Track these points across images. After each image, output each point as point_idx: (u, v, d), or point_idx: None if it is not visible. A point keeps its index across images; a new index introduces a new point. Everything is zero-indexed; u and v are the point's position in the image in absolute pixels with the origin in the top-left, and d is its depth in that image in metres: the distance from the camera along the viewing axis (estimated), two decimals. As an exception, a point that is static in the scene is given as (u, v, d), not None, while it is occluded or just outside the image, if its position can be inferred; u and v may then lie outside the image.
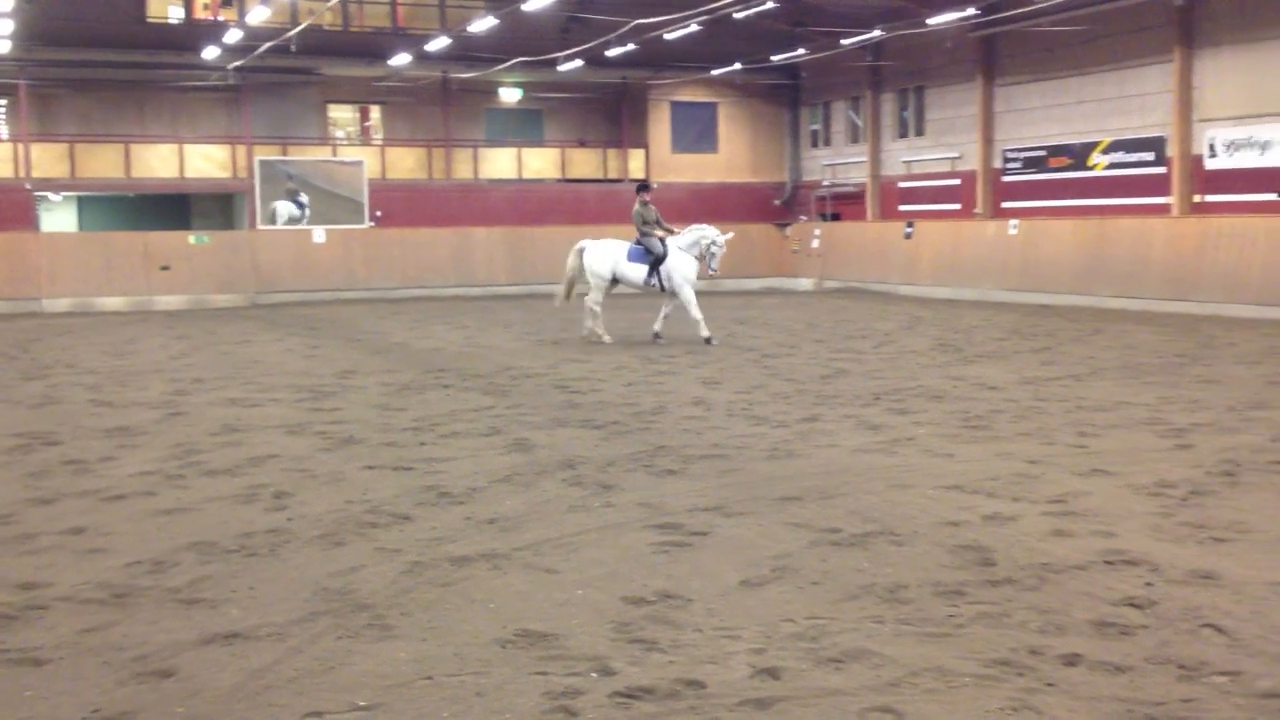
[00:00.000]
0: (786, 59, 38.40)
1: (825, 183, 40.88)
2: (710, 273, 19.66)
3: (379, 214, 37.48)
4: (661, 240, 19.46)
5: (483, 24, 32.72)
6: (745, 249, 34.37)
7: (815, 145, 42.35)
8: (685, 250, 19.34)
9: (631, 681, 5.00)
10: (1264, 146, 26.33)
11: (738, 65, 38.57)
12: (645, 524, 7.62)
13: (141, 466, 9.77)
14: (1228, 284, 24.24)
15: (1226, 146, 27.22)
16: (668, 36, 33.76)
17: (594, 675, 5.08)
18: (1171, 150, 28.38)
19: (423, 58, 36.02)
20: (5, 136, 36.71)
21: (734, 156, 42.70)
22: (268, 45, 33.05)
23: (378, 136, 40.54)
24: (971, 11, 30.65)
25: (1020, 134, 33.23)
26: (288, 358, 18.44)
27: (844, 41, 34.98)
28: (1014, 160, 33.43)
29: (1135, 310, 25.15)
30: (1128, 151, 29.85)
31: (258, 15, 32.66)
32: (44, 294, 31.01)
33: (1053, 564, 6.60)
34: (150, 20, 36.32)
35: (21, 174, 34.78)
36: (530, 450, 10.17)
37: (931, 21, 31.44)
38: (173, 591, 6.35)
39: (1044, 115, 32.34)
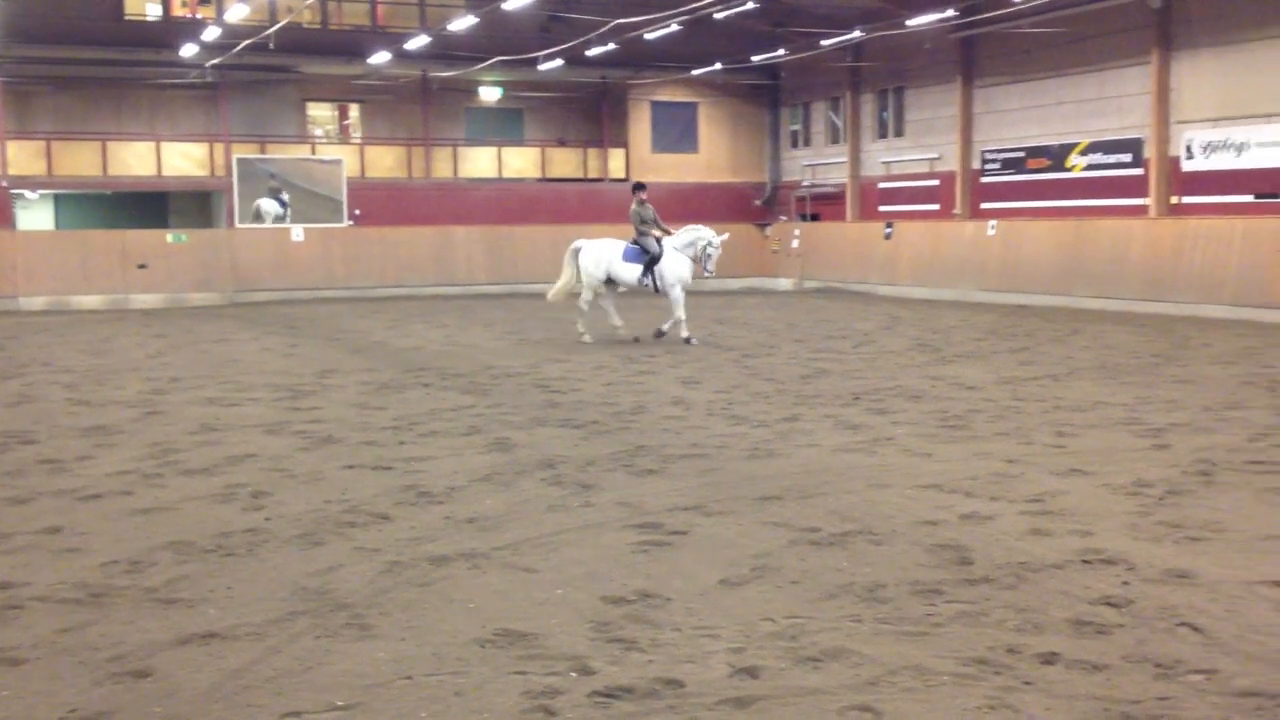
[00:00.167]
0: (767, 59, 38.47)
1: (805, 183, 40.95)
2: (706, 274, 19.62)
3: (358, 213, 37.37)
4: (657, 240, 19.44)
5: (462, 23, 32.67)
6: (725, 249, 34.30)
7: (795, 145, 42.42)
8: (681, 250, 19.32)
9: (610, 681, 5.00)
10: (1240, 148, 26.50)
11: (718, 65, 38.60)
12: (625, 523, 7.63)
13: (118, 466, 9.72)
14: (1204, 285, 24.38)
15: (1203, 148, 27.38)
16: (648, 36, 33.78)
17: (573, 675, 5.08)
18: (1149, 152, 28.54)
19: (402, 56, 35.94)
20: (-19, 134, 36.48)
21: (714, 156, 42.73)
22: (246, 43, 32.91)
23: (357, 135, 40.43)
24: (951, 13, 30.75)
25: (999, 135, 33.36)
26: (266, 357, 18.37)
27: (824, 42, 35.05)
28: (993, 161, 33.55)
29: (1113, 311, 25.27)
30: (1105, 153, 30.00)
31: (236, 13, 32.53)
32: (20, 292, 30.80)
33: (1030, 563, 6.63)
34: (128, 18, 36.12)
35: (-2, 171, 34.58)
36: (510, 449, 10.16)
37: (911, 23, 31.53)
38: (150, 591, 6.32)
39: (1023, 116, 32.48)
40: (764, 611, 5.87)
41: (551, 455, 9.86)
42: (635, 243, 19.50)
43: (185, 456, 10.08)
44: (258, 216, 36.20)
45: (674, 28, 32.83)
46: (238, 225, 35.82)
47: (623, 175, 41.61)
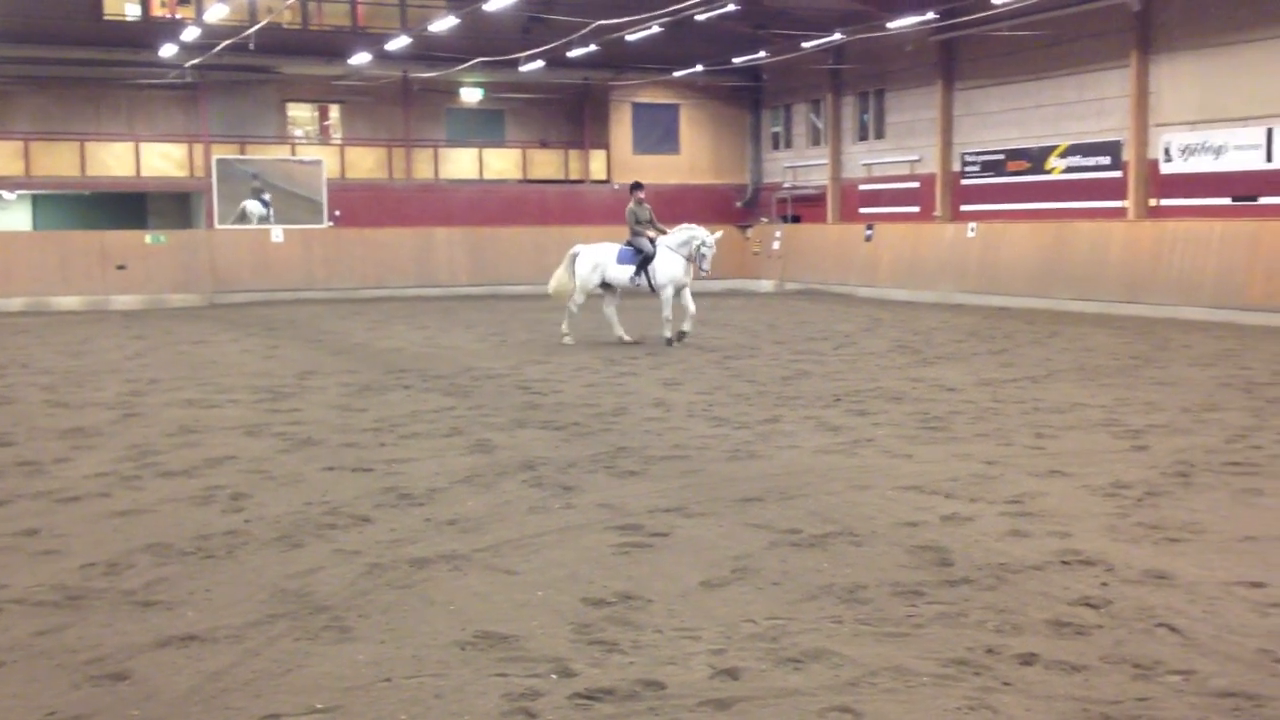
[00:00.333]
0: (748, 61, 38.51)
1: (786, 185, 41.02)
2: (702, 273, 19.51)
3: (338, 214, 37.28)
4: (652, 240, 19.43)
5: (443, 24, 32.60)
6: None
7: (776, 147, 42.49)
8: (675, 250, 19.28)
9: (591, 683, 4.99)
10: (1218, 151, 26.65)
11: (699, 67, 38.64)
12: (606, 525, 7.62)
13: (97, 468, 9.67)
14: (1182, 287, 24.52)
15: (1182, 151, 27.52)
16: (629, 38, 33.77)
17: (554, 676, 5.08)
18: (1128, 154, 28.67)
19: (383, 57, 35.85)
20: (-41, 134, 36.26)
21: (696, 158, 42.77)
22: (226, 43, 32.79)
23: (337, 136, 40.32)
24: (931, 15, 30.83)
25: (979, 137, 33.46)
26: (246, 358, 18.30)
27: (805, 44, 35.11)
28: (973, 163, 33.66)
29: (1092, 313, 25.38)
30: (1085, 155, 30.13)
31: (216, 13, 32.39)
32: (-2, 293, 30.63)
33: (1010, 564, 6.66)
34: (107, 17, 35.94)
35: (-25, 172, 34.38)
36: (491, 451, 10.15)
37: (892, 25, 31.60)
38: (128, 594, 6.29)
39: (1002, 119, 32.59)
40: (745, 613, 5.88)
41: (532, 457, 9.85)
42: (629, 243, 19.50)
43: (164, 458, 10.03)
44: (243, 217, 36.10)
45: (655, 29, 32.84)
46: (223, 226, 35.70)
47: (604, 177, 41.64)
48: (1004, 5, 28.77)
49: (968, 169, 33.84)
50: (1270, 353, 17.51)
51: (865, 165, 37.94)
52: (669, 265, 19.22)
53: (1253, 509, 7.95)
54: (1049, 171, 31.12)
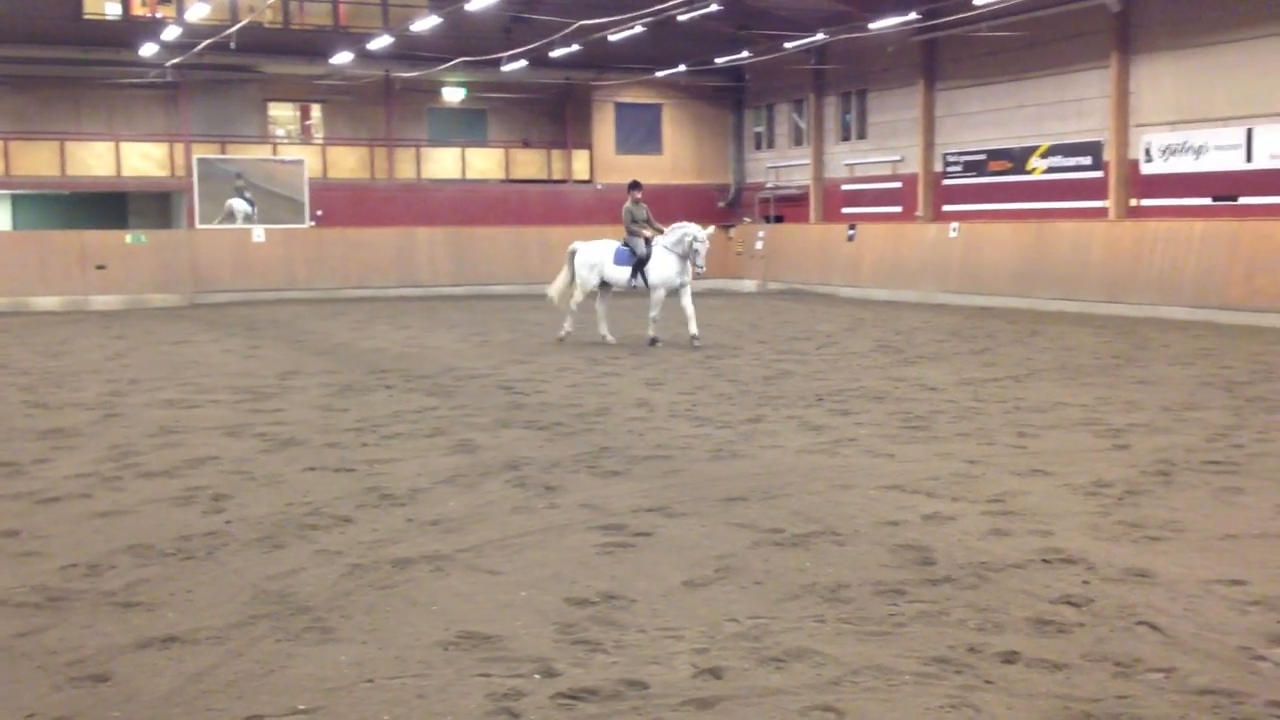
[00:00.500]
0: (730, 61, 38.56)
1: (769, 185, 41.08)
2: (697, 270, 19.32)
3: (319, 213, 37.18)
4: (648, 240, 19.39)
5: (425, 23, 32.55)
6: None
7: (759, 147, 42.55)
8: (670, 249, 19.23)
9: (574, 682, 4.99)
10: (1198, 151, 26.79)
11: (682, 67, 38.66)
12: (589, 525, 7.62)
13: (77, 468, 9.62)
14: (1163, 286, 24.63)
15: (1162, 151, 27.66)
16: (612, 38, 33.77)
17: (537, 677, 5.07)
18: (1109, 155, 28.80)
19: (365, 56, 35.78)
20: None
21: (678, 158, 42.80)
22: (207, 42, 32.68)
23: (319, 135, 40.22)
24: (913, 16, 30.92)
25: (961, 138, 33.57)
26: (227, 358, 18.24)
27: (787, 45, 35.17)
28: (954, 164, 33.77)
29: (1073, 312, 25.49)
30: (1066, 156, 30.25)
31: (197, 12, 32.31)
32: (-24, 293, 30.45)
33: (991, 563, 6.68)
34: (87, 16, 35.79)
35: (-46, 171, 34.19)
36: (474, 451, 10.14)
37: (873, 26, 31.68)
38: (109, 595, 6.26)
39: (984, 119, 32.70)
40: (727, 612, 5.88)
41: (515, 457, 9.84)
42: (625, 243, 19.49)
43: (145, 459, 9.99)
44: (230, 216, 35.99)
45: (638, 29, 32.85)
46: (211, 225, 35.59)
47: (586, 177, 41.63)
48: (985, 6, 28.86)
49: (949, 169, 33.93)
50: (1249, 352, 17.60)
51: (847, 165, 38.02)
52: (661, 266, 19.19)
53: (1233, 507, 7.99)
54: (1030, 172, 31.24)
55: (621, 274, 19.37)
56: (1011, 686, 4.93)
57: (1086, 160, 29.63)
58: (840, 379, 14.95)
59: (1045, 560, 6.73)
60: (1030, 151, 31.21)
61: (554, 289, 20.24)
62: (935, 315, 25.54)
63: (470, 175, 40.37)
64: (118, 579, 6.55)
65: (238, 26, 31.94)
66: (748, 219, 41.25)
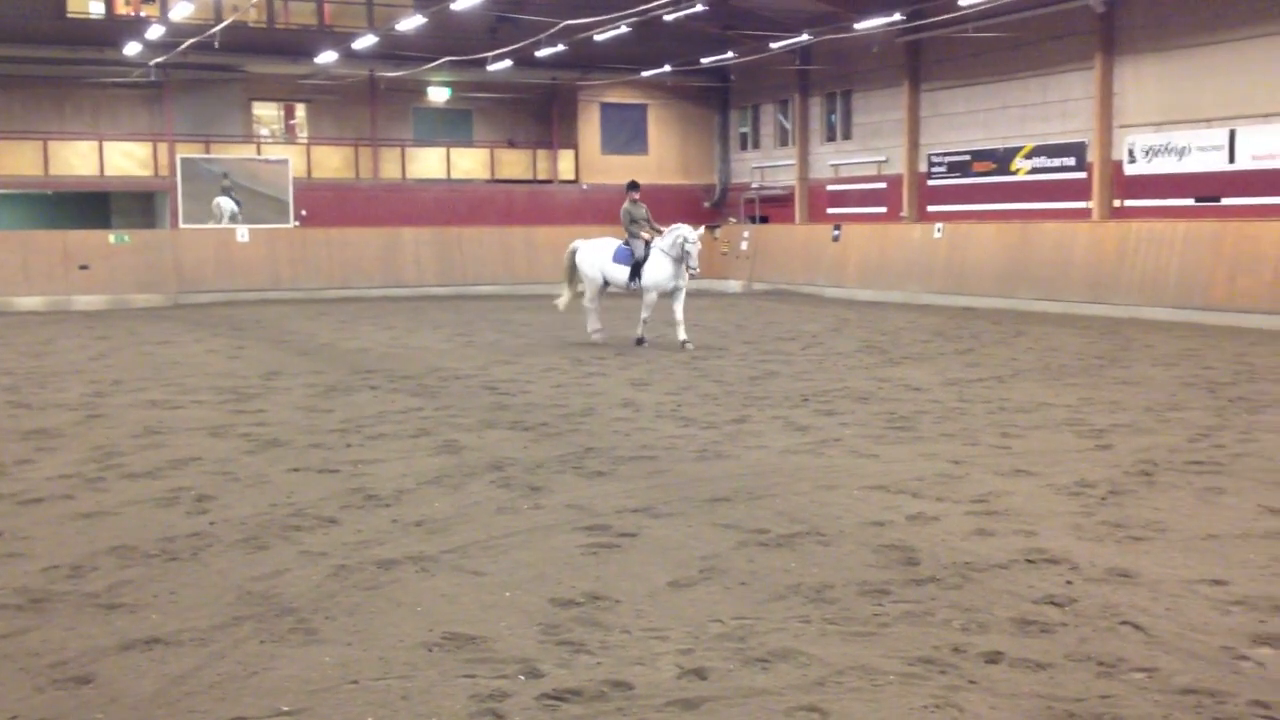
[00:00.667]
0: (716, 62, 38.60)
1: (754, 185, 41.14)
2: (691, 272, 19.25)
3: (304, 213, 37.09)
4: (646, 242, 19.36)
5: (411, 23, 32.51)
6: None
7: (744, 148, 42.60)
8: (666, 252, 19.21)
9: (559, 683, 4.99)
10: (1181, 152, 26.91)
11: (667, 67, 38.69)
12: (574, 526, 7.62)
13: (60, 469, 9.58)
14: (1146, 287, 24.72)
15: (1145, 152, 27.78)
16: (597, 38, 33.78)
17: (521, 677, 5.07)
18: (1092, 155, 28.92)
19: (349, 56, 35.72)
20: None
21: (664, 158, 42.83)
22: (191, 42, 32.59)
23: (303, 135, 40.13)
24: (898, 17, 31.00)
25: (945, 138, 33.66)
26: (211, 359, 18.18)
27: (773, 45, 35.22)
28: (939, 164, 33.85)
29: (1057, 313, 25.56)
30: (1050, 156, 30.36)
31: (181, 11, 32.20)
32: (-41, 293, 30.29)
33: (975, 563, 6.70)
34: (71, 15, 35.67)
35: (-64, 170, 34.03)
36: (459, 452, 10.12)
37: (859, 26, 31.75)
38: (92, 596, 6.24)
39: (968, 120, 32.80)
40: (712, 613, 5.89)
41: (500, 458, 9.83)
42: (625, 244, 19.47)
43: (128, 460, 9.95)
44: (219, 214, 35.88)
45: (623, 29, 32.87)
46: (188, 225, 35.45)
47: (572, 177, 41.64)
48: (970, 7, 28.96)
49: (934, 170, 34.02)
50: (1232, 352, 17.68)
51: (832, 166, 38.09)
52: (656, 269, 19.17)
53: (1215, 508, 8.02)
54: (1014, 172, 31.34)
55: (621, 273, 19.35)
56: (995, 686, 4.95)
57: (1070, 161, 29.74)
58: (825, 379, 14.97)
59: (1029, 560, 6.75)
60: (1014, 152, 31.31)
61: (561, 302, 20.23)
62: (920, 316, 25.59)
63: (455, 175, 40.33)
64: (101, 580, 6.53)
65: (222, 26, 31.88)
66: (733, 219, 41.28)
